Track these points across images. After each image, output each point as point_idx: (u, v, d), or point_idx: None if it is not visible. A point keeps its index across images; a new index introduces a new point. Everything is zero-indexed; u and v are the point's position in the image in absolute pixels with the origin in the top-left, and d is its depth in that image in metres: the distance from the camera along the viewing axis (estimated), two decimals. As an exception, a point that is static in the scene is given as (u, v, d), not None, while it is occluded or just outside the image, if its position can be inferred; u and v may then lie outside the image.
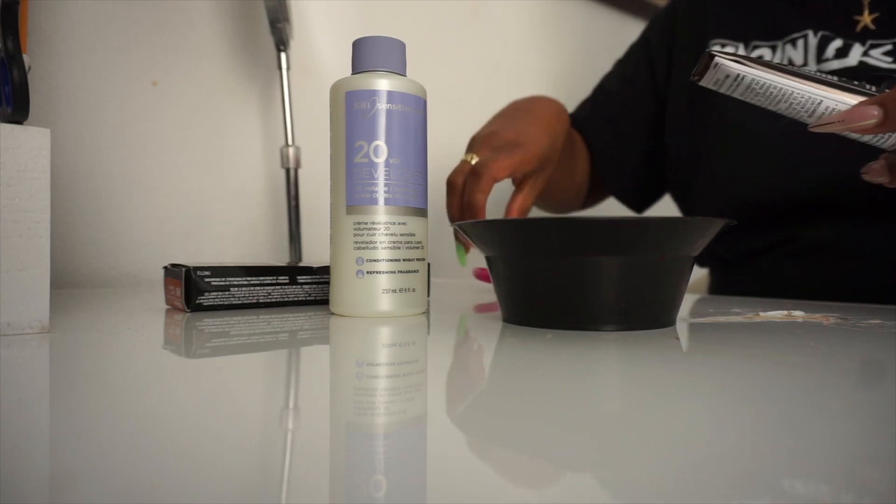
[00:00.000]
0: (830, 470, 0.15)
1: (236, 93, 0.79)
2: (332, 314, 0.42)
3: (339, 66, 0.84)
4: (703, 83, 0.37)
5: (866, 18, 0.61)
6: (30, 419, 0.19)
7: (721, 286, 0.74)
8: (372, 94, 0.40)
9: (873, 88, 0.35)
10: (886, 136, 0.36)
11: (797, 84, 0.35)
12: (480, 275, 0.66)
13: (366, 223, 0.40)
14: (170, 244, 0.74)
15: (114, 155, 0.70)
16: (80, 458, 0.15)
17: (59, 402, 0.21)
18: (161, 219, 0.73)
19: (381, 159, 0.40)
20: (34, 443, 0.17)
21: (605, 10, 1.21)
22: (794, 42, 0.63)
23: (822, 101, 0.35)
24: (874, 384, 0.25)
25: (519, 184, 0.64)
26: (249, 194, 0.80)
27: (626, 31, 0.89)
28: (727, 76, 0.35)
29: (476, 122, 0.74)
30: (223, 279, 0.43)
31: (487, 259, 0.38)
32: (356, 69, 0.41)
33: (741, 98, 0.37)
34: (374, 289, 0.40)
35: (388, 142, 0.40)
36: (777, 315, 0.41)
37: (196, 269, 0.42)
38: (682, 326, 0.37)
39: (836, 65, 0.60)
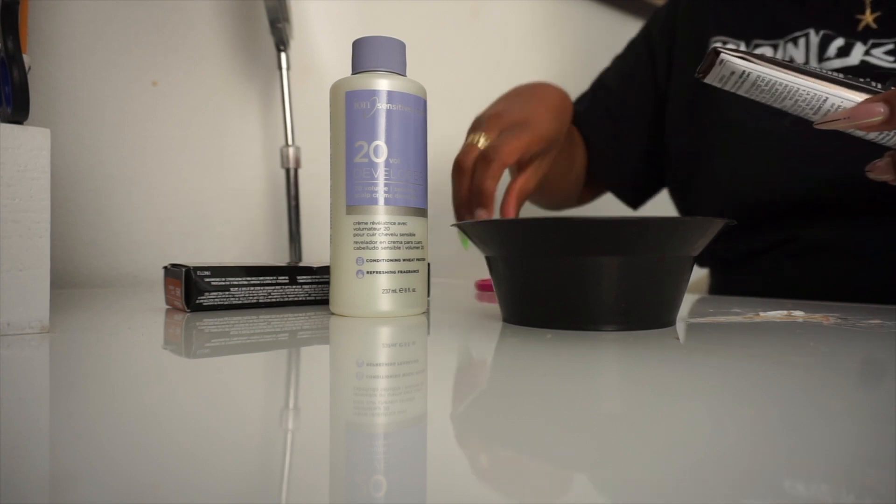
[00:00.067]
0: (831, 470, 0.15)
1: (236, 93, 0.79)
2: (332, 314, 0.42)
3: (339, 66, 0.84)
4: (707, 80, 0.36)
5: (868, 17, 0.61)
6: (30, 419, 0.19)
7: (721, 286, 0.74)
8: (372, 94, 0.40)
9: (879, 86, 0.35)
10: (892, 133, 0.36)
11: (803, 81, 0.35)
12: (482, 286, 0.66)
13: (366, 223, 0.40)
14: (170, 244, 0.74)
15: (114, 155, 0.70)
16: (80, 458, 0.15)
17: (59, 402, 0.21)
18: (161, 219, 0.73)
19: (381, 159, 0.40)
20: (34, 443, 0.17)
21: (605, 10, 1.21)
22: (795, 41, 0.63)
23: (827, 97, 0.35)
24: (874, 384, 0.25)
25: (522, 166, 0.61)
26: (249, 194, 0.80)
27: (626, 31, 0.89)
28: (732, 73, 0.35)
29: (476, 122, 0.74)
30: (223, 279, 0.43)
31: (487, 259, 0.38)
32: (356, 69, 0.41)
33: (746, 95, 0.36)
34: (374, 289, 0.40)
35: (388, 142, 0.40)
36: (777, 315, 0.41)
37: (196, 269, 0.42)
38: (682, 326, 0.37)
39: (838, 64, 0.60)
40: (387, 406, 0.21)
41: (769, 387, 0.23)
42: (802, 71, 0.35)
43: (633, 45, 0.81)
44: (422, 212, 0.42)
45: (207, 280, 0.42)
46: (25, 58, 0.32)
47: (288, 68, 0.76)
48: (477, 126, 0.60)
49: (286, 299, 0.46)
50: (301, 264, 0.47)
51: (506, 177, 0.65)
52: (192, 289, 0.42)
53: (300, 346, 0.33)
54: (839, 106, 0.35)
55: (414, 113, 0.41)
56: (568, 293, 0.34)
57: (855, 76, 0.36)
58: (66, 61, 0.67)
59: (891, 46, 0.59)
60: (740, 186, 0.65)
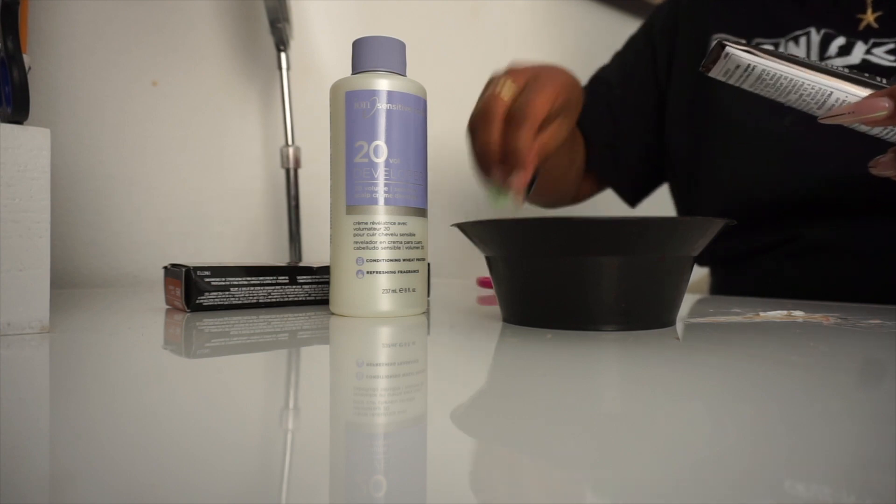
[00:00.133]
0: (831, 470, 0.15)
1: (236, 93, 0.79)
2: (332, 314, 0.42)
3: (339, 66, 0.84)
4: (712, 74, 0.36)
5: (869, 17, 0.61)
6: (30, 419, 0.19)
7: (721, 286, 0.74)
8: (372, 94, 0.40)
9: (884, 81, 0.35)
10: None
11: (807, 75, 0.35)
12: (484, 283, 0.66)
13: (366, 223, 0.40)
14: (170, 244, 0.74)
15: (114, 155, 0.70)
16: (80, 458, 0.15)
17: (59, 402, 0.21)
18: (161, 219, 0.73)
19: (381, 159, 0.40)
20: (34, 443, 0.17)
21: (605, 10, 1.21)
22: (796, 39, 0.63)
23: (832, 92, 0.35)
24: (874, 384, 0.25)
25: (542, 125, 0.52)
26: (249, 194, 0.80)
27: (626, 30, 0.89)
28: (737, 66, 0.35)
29: (476, 121, 0.74)
30: (223, 279, 0.43)
31: (487, 259, 0.38)
32: (356, 69, 0.41)
33: (750, 89, 0.36)
34: (374, 289, 0.40)
35: (388, 142, 0.40)
36: (777, 315, 0.41)
37: (196, 269, 0.42)
38: (681, 326, 0.37)
39: (839, 62, 0.60)
40: (387, 406, 0.21)
41: (769, 387, 0.23)
42: (807, 65, 0.35)
43: (633, 42, 0.80)
44: (422, 212, 0.42)
45: (207, 280, 0.42)
46: (25, 58, 0.32)
47: (288, 68, 0.76)
48: (495, 80, 0.53)
49: (286, 299, 0.46)
50: (301, 264, 0.47)
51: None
52: (192, 289, 0.42)
53: (300, 346, 0.33)
54: (844, 101, 0.34)
55: (414, 113, 0.41)
56: (568, 293, 0.34)
57: (859, 72, 0.36)
58: (66, 61, 0.67)
59: (892, 46, 0.59)
60: (740, 186, 0.65)
